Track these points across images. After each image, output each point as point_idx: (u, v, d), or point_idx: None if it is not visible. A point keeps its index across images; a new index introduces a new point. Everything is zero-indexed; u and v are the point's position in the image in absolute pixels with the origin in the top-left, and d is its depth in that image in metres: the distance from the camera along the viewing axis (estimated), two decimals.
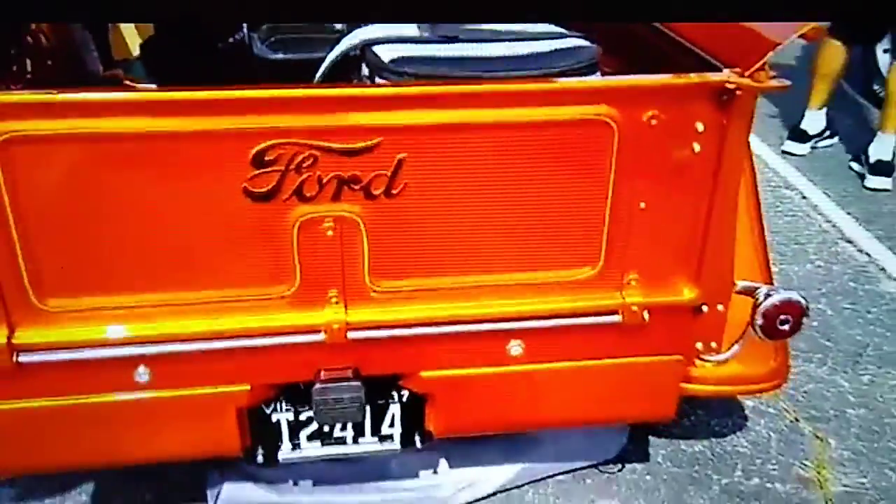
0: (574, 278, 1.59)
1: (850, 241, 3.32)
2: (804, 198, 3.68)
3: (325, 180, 1.43)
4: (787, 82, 1.46)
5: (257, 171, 1.41)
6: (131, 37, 2.75)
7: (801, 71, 4.28)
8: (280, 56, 2.14)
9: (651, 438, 2.29)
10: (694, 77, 1.46)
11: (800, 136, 4.09)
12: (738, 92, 1.44)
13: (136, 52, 2.69)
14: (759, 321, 1.68)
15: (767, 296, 1.67)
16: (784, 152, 4.08)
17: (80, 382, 1.54)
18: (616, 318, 1.63)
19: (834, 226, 3.44)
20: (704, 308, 1.68)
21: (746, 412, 2.40)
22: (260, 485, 1.96)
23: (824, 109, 4.08)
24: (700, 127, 1.49)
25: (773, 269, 2.05)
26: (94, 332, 1.50)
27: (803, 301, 1.68)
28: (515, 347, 1.65)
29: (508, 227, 1.53)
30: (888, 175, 3.74)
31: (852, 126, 4.32)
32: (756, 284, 1.72)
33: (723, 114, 1.47)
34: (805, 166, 3.96)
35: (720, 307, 1.68)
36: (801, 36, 1.46)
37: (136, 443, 1.64)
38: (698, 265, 1.62)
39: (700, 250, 1.60)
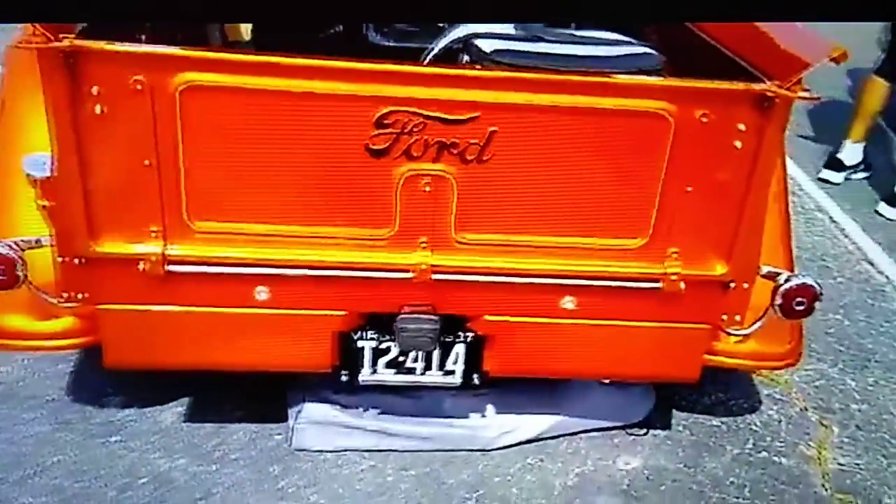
0: (625, 247, 1.90)
1: (871, 263, 3.59)
2: (833, 221, 3.95)
3: (430, 143, 1.75)
4: (818, 95, 1.75)
5: (377, 132, 1.73)
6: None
7: (842, 104, 4.57)
8: (392, 43, 2.48)
9: (673, 410, 2.57)
10: (741, 85, 1.76)
11: (836, 165, 4.34)
12: (776, 100, 1.74)
13: (247, 37, 3.06)
14: (779, 301, 1.97)
15: (787, 280, 1.97)
16: (820, 179, 4.34)
17: (212, 294, 1.87)
18: (657, 284, 1.92)
19: (858, 248, 3.71)
20: (732, 284, 1.96)
21: (761, 397, 2.69)
22: (335, 407, 2.28)
23: (862, 143, 4.33)
24: (742, 127, 1.78)
25: None
26: (228, 252, 1.82)
27: (817, 286, 1.98)
28: (568, 302, 1.96)
29: (575, 197, 1.84)
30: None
31: (885, 161, 4.57)
32: (778, 270, 2.01)
33: (762, 117, 1.77)
34: (837, 194, 4.22)
35: (746, 285, 1.97)
36: (831, 59, 1.74)
37: (249, 351, 1.96)
38: (731, 245, 1.91)
39: (733, 233, 1.89)
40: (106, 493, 2.12)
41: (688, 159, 1.80)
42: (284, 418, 2.32)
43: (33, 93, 1.99)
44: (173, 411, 2.39)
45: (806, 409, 2.66)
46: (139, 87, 1.64)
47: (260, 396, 2.40)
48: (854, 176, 4.37)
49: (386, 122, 1.72)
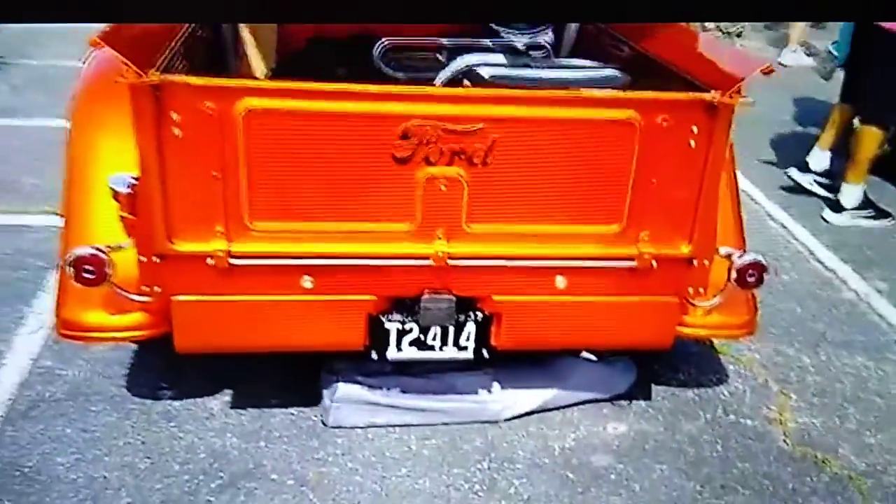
0: (604, 232, 2.30)
1: (819, 261, 4.04)
2: (784, 227, 4.41)
3: (444, 151, 2.14)
4: (751, 100, 2.18)
5: (401, 142, 2.13)
6: (256, 60, 3.53)
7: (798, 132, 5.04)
8: (402, 74, 2.90)
9: (653, 385, 2.96)
10: (692, 95, 2.20)
11: (835, 207, 4.60)
12: (720, 106, 2.17)
13: (260, 74, 3.47)
14: (734, 276, 2.39)
15: (740, 257, 2.39)
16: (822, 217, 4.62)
17: (266, 284, 2.24)
18: (633, 263, 2.33)
19: (807, 249, 4.16)
20: (695, 261, 2.38)
21: (728, 373, 3.09)
22: (364, 388, 2.63)
23: (828, 152, 4.75)
24: (695, 129, 2.20)
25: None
26: (280, 247, 2.20)
27: (764, 260, 2.40)
28: (560, 281, 2.35)
29: (562, 191, 2.24)
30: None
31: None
32: (732, 250, 2.43)
33: (711, 120, 2.19)
34: (787, 204, 4.69)
35: (706, 262, 2.38)
36: (762, 72, 2.18)
37: (297, 333, 2.32)
38: (691, 228, 2.32)
39: (693, 217, 2.30)
40: (171, 465, 2.45)
41: (652, 157, 2.22)
42: (318, 402, 2.67)
43: (104, 124, 2.41)
44: (220, 400, 2.73)
45: (767, 382, 3.07)
46: (210, 112, 2.02)
47: (294, 385, 2.76)
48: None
49: (408, 134, 2.12)
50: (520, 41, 3.09)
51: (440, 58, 2.84)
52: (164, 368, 2.83)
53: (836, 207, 4.53)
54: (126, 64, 1.94)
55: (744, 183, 4.88)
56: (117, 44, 1.94)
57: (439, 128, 2.12)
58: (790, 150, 5.36)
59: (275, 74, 3.34)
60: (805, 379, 3.11)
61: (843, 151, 4.71)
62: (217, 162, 2.08)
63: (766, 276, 2.41)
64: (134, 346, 2.90)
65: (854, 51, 4.59)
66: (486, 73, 2.36)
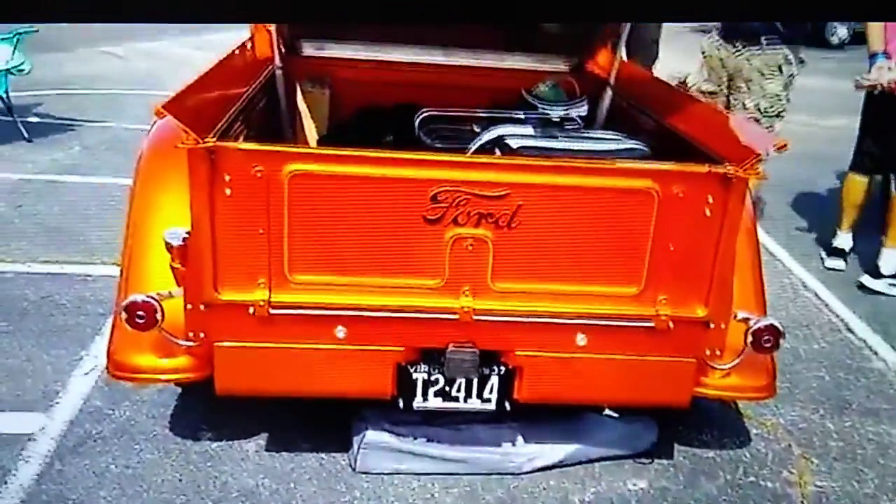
0: (624, 293, 2.42)
1: (851, 331, 4.07)
2: (819, 297, 4.45)
3: (472, 213, 2.30)
4: (766, 174, 2.30)
5: (432, 205, 2.29)
6: (309, 127, 3.77)
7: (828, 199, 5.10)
8: (439, 144, 3.09)
9: (675, 444, 3.03)
10: (707, 167, 2.33)
11: (838, 253, 4.84)
12: (734, 179, 2.30)
13: (313, 140, 3.71)
14: (750, 339, 2.48)
15: (756, 322, 2.48)
16: (826, 268, 4.83)
17: (303, 332, 2.39)
18: (651, 324, 2.44)
19: (840, 318, 4.19)
20: (711, 325, 2.47)
21: (751, 436, 3.14)
22: (391, 435, 2.75)
23: (850, 232, 4.85)
24: (710, 199, 2.33)
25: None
26: (317, 299, 2.36)
27: (780, 326, 2.49)
28: (581, 338, 2.47)
29: (584, 254, 2.37)
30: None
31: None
32: (749, 314, 2.52)
33: (726, 192, 2.32)
34: (821, 275, 4.74)
35: (723, 325, 2.48)
36: (776, 149, 2.30)
37: (330, 380, 2.46)
38: (707, 292, 2.42)
39: (709, 282, 2.41)
40: (205, 503, 2.59)
41: (669, 224, 2.34)
42: (347, 447, 2.80)
43: (163, 184, 2.62)
44: (256, 442, 2.88)
45: (790, 446, 3.11)
46: (259, 174, 2.21)
47: (325, 430, 2.89)
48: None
49: (439, 198, 2.28)
50: (554, 114, 3.26)
51: (476, 128, 3.02)
52: (205, 411, 2.99)
53: (875, 273, 4.58)
54: (186, 131, 2.14)
55: (780, 252, 4.98)
56: (179, 112, 2.15)
57: (467, 192, 2.28)
58: (817, 214, 5.46)
59: (326, 140, 3.57)
60: (827, 444, 3.14)
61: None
62: (263, 219, 2.26)
63: (782, 341, 2.49)
64: (178, 390, 3.07)
65: (873, 119, 4.66)
66: (514, 143, 2.52)
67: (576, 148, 2.53)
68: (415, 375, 2.52)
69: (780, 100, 4.33)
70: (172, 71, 8.63)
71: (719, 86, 4.45)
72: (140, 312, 2.32)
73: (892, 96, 4.30)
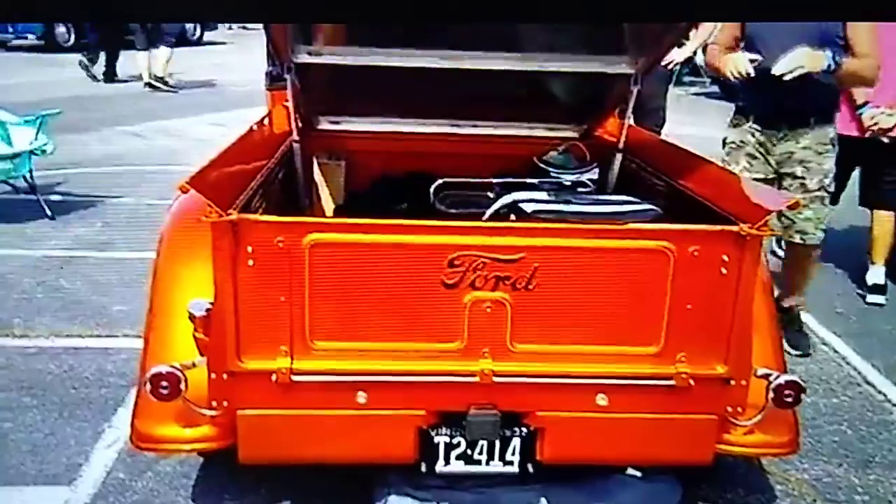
0: (643, 352, 2.44)
1: (871, 384, 4.05)
2: (836, 351, 4.44)
3: (489, 277, 2.34)
4: (778, 232, 2.35)
5: (450, 270, 2.34)
6: (326, 198, 3.85)
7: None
8: (453, 210, 3.15)
9: (700, 503, 3.00)
10: (721, 227, 2.37)
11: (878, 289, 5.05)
12: (748, 238, 2.34)
13: (329, 210, 3.78)
14: (771, 395, 2.48)
15: (777, 378, 2.49)
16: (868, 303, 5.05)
17: (325, 399, 2.42)
18: (671, 382, 2.45)
19: (859, 372, 4.18)
20: (732, 381, 2.48)
21: (776, 492, 3.11)
22: (414, 500, 2.74)
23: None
24: (725, 258, 2.36)
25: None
26: (338, 365, 2.39)
27: (801, 382, 2.49)
28: (601, 398, 2.48)
29: (601, 314, 2.40)
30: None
31: None
32: (769, 371, 2.53)
33: (740, 250, 2.35)
34: (838, 329, 4.73)
35: (743, 382, 2.48)
36: (788, 207, 2.35)
37: (352, 446, 2.48)
38: (726, 350, 2.44)
39: (728, 339, 2.43)
40: None
41: (686, 283, 2.37)
42: None
43: (185, 257, 2.68)
44: None
45: (815, 501, 3.08)
46: (280, 244, 2.27)
47: (347, 497, 2.88)
48: None
49: (456, 262, 2.33)
50: (566, 179, 3.33)
51: (490, 195, 3.09)
52: (227, 481, 3.00)
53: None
54: (209, 205, 2.21)
55: None
56: (203, 187, 2.22)
57: (485, 256, 2.32)
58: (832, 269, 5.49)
59: (342, 210, 3.64)
60: (853, 498, 3.11)
61: None
62: (284, 288, 2.31)
63: (803, 396, 2.49)
64: (199, 460, 3.09)
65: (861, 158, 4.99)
66: (528, 207, 2.59)
67: (589, 210, 2.59)
68: (436, 439, 2.53)
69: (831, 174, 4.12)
70: (190, 148, 8.82)
71: (765, 174, 4.10)
72: (164, 383, 2.35)
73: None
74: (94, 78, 13.11)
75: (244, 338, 2.34)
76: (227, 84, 13.65)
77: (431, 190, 3.23)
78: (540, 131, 3.97)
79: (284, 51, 3.09)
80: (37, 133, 5.97)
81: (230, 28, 23.59)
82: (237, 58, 16.71)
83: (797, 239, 4.01)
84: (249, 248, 2.27)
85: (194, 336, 2.44)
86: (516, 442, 2.55)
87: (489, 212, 2.81)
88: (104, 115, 10.33)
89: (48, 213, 6.10)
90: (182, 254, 2.75)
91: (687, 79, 14.33)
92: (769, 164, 4.11)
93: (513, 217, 2.68)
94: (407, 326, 2.40)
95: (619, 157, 3.51)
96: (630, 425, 2.51)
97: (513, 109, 3.86)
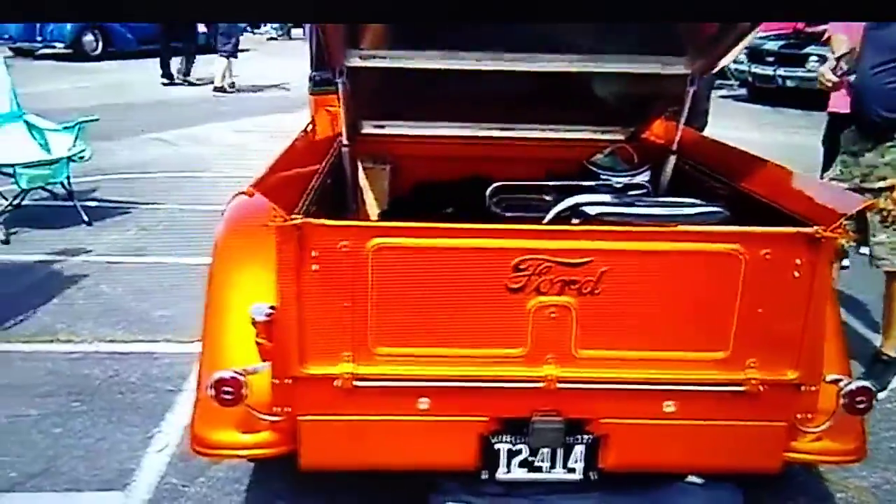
0: (712, 358, 2.38)
1: None
2: None
3: (555, 281, 2.30)
4: (854, 235, 2.29)
5: (515, 274, 2.30)
6: (371, 202, 3.83)
7: None
8: (510, 214, 3.12)
9: None
10: (795, 229, 2.32)
11: None
12: (822, 240, 2.28)
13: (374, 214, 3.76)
14: (843, 401, 2.42)
15: (848, 384, 2.43)
16: None
17: (387, 404, 2.38)
18: (740, 388, 2.39)
19: None
20: (802, 387, 2.42)
21: (836, 500, 3.06)
22: None
23: None
24: (798, 261, 2.31)
25: None
26: (400, 370, 2.36)
27: (873, 388, 2.43)
28: (668, 405, 2.42)
29: (669, 319, 2.35)
30: None
31: None
32: (839, 376, 2.47)
33: (813, 253, 2.30)
34: None
35: (813, 387, 2.43)
36: (863, 208, 2.29)
37: (413, 453, 2.44)
38: (798, 355, 2.38)
39: (799, 344, 2.37)
40: None
41: (757, 287, 2.32)
42: None
43: (241, 260, 2.66)
44: None
45: None
46: (344, 249, 2.25)
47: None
48: None
49: (521, 267, 2.29)
50: (617, 181, 3.29)
51: (546, 198, 3.06)
52: (279, 486, 2.98)
53: None
54: (274, 209, 2.19)
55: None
56: (266, 192, 2.20)
57: (550, 260, 2.28)
58: None
59: (387, 215, 3.62)
60: None
61: None
62: (348, 293, 2.28)
63: (875, 403, 2.44)
64: (250, 466, 3.06)
65: None
66: (592, 210, 2.54)
67: (656, 213, 2.54)
68: (498, 446, 2.49)
69: None
70: (218, 154, 8.87)
71: (850, 181, 3.90)
72: (227, 388, 2.33)
73: None
74: (171, 81, 13.70)
75: (307, 343, 2.31)
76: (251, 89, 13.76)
77: (487, 193, 3.20)
78: (586, 134, 3.92)
79: (338, 55, 3.06)
80: (75, 139, 6.00)
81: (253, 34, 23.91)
82: (261, 64, 16.78)
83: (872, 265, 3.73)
84: (314, 253, 2.24)
85: (256, 341, 2.42)
86: (580, 449, 2.50)
87: (550, 215, 2.77)
88: (134, 122, 10.37)
89: (85, 218, 6.13)
90: (238, 258, 2.73)
91: (716, 82, 14.22)
92: (855, 174, 3.94)
93: (574, 220, 2.64)
94: (470, 331, 2.36)
95: (672, 158, 3.46)
96: (697, 432, 2.46)
97: (559, 112, 3.81)
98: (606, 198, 2.63)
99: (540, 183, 3.32)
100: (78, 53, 16.70)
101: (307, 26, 5.63)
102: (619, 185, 3.34)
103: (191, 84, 13.92)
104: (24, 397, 3.58)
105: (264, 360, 2.40)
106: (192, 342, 4.04)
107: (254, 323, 2.39)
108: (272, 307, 2.35)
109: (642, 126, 3.84)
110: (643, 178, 3.35)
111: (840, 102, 4.67)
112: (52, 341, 4.20)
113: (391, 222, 2.31)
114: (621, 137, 3.89)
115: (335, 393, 2.34)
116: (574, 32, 3.18)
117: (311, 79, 4.17)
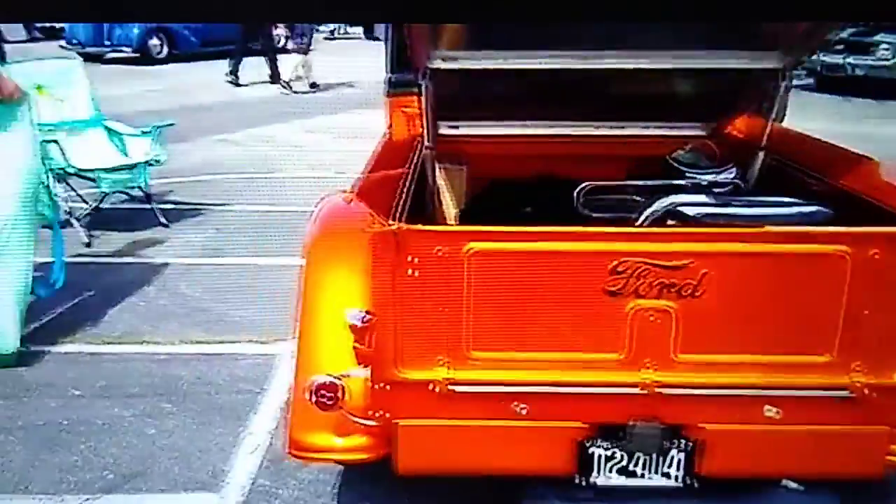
0: (815, 361, 2.32)
1: None
2: None
3: (654, 285, 2.27)
4: None
5: (612, 277, 2.27)
6: (448, 202, 3.83)
7: None
8: (597, 214, 3.09)
9: None
10: None
11: None
12: None
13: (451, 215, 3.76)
14: None
15: None
16: None
17: (483, 409, 2.38)
18: (845, 392, 2.32)
19: None
20: None
21: None
22: None
23: None
24: None
25: None
26: (496, 375, 2.35)
27: None
28: (770, 410, 2.37)
29: (772, 322, 2.30)
30: None
31: None
32: None
33: None
34: None
35: None
36: None
37: (509, 457, 2.43)
38: None
39: None
40: None
41: (864, 289, 2.25)
42: None
43: (335, 264, 2.68)
44: None
45: None
46: (441, 254, 2.25)
47: None
48: None
49: (619, 269, 2.26)
50: (703, 179, 3.22)
51: (636, 198, 3.01)
52: (368, 490, 3.00)
53: None
54: (372, 215, 2.20)
55: None
56: (364, 198, 2.22)
57: (649, 263, 2.25)
58: None
59: (465, 215, 3.61)
60: None
61: None
62: (444, 298, 2.29)
63: None
64: (338, 469, 3.09)
65: None
66: (690, 211, 2.50)
67: (757, 213, 2.48)
68: (594, 451, 2.46)
69: None
70: (286, 154, 8.98)
71: None
72: (326, 393, 2.36)
73: None
74: (236, 83, 13.95)
75: (404, 348, 2.32)
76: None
77: (575, 194, 3.17)
78: (664, 130, 3.86)
79: (423, 56, 3.07)
80: (152, 143, 6.14)
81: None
82: (325, 63, 16.91)
83: None
84: (410, 258, 2.25)
85: (354, 346, 2.44)
86: (678, 455, 2.46)
87: (644, 215, 2.73)
88: (202, 124, 10.56)
89: (163, 221, 6.27)
90: (330, 262, 2.76)
91: None
92: None
93: (670, 221, 2.59)
94: (567, 336, 2.34)
95: (761, 155, 3.37)
96: (799, 438, 2.40)
97: (638, 109, 3.76)
98: (703, 198, 2.58)
99: (632, 183, 3.27)
100: (144, 57, 17.19)
101: (383, 27, 5.66)
102: (704, 183, 3.27)
103: (237, 85, 13.98)
104: (117, 398, 3.69)
105: (361, 365, 2.43)
106: (272, 342, 4.15)
107: (351, 328, 2.42)
108: (367, 312, 2.37)
109: (725, 121, 3.76)
110: (729, 175, 3.27)
111: None
112: (138, 343, 4.31)
113: (486, 227, 2.30)
114: (702, 133, 3.82)
115: (431, 398, 2.35)
116: (656, 28, 3.12)
117: (387, 81, 4.18)
